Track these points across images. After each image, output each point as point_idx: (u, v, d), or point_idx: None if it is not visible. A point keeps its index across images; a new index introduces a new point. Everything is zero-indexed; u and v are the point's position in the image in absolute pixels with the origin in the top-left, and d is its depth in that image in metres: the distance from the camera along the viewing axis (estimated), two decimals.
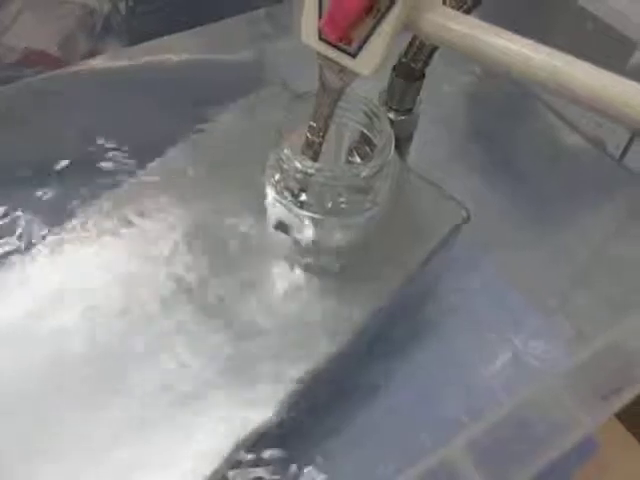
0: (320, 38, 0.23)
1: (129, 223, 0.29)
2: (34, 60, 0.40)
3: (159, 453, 0.24)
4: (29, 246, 0.28)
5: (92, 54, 0.43)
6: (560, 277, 0.37)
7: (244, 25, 0.41)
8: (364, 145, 0.31)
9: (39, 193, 0.32)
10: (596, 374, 0.16)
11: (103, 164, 0.33)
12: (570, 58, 0.21)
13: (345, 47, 0.23)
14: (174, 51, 0.40)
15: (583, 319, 0.36)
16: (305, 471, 0.28)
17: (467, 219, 0.33)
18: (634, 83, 0.20)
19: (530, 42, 0.21)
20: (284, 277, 0.29)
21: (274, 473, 0.26)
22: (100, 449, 0.24)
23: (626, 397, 0.15)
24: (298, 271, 0.29)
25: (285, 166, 0.26)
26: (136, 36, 0.41)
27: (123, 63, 0.38)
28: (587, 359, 0.16)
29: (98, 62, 0.39)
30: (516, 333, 0.35)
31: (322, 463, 0.28)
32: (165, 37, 0.39)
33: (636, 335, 0.18)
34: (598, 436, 0.42)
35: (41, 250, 0.27)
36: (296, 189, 0.26)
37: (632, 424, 0.44)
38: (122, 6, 0.42)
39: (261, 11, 0.41)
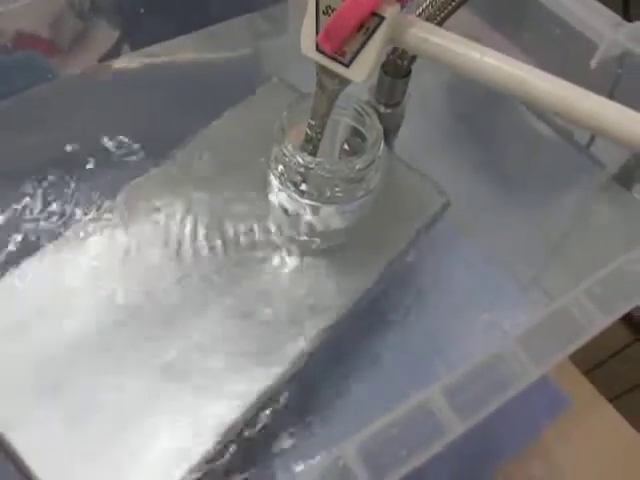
0: (317, 50, 0.27)
1: (149, 212, 0.33)
2: (25, 43, 0.41)
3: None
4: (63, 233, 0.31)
5: (82, 35, 0.44)
6: (534, 253, 0.41)
7: (243, 25, 0.44)
8: (356, 138, 0.34)
9: (68, 185, 0.35)
10: (550, 331, 0.20)
11: (123, 158, 0.36)
12: (536, 70, 0.24)
13: (339, 58, 0.26)
14: (180, 52, 0.42)
15: (555, 290, 0.40)
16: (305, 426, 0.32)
17: (447, 204, 0.36)
18: (588, 93, 0.23)
19: (500, 55, 0.25)
20: (286, 258, 0.33)
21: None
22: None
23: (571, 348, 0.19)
24: (298, 253, 0.33)
25: (288, 160, 0.30)
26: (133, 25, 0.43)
27: (135, 65, 0.41)
28: (540, 322, 0.20)
29: (113, 63, 0.42)
30: (494, 304, 0.39)
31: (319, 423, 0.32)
32: (170, 40, 0.42)
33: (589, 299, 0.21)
34: (569, 395, 0.47)
35: (74, 235, 0.31)
36: (297, 180, 0.30)
37: (602, 385, 0.49)
38: None
39: (259, 12, 0.44)
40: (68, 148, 0.36)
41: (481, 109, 0.41)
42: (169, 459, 0.27)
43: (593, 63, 0.32)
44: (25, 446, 0.27)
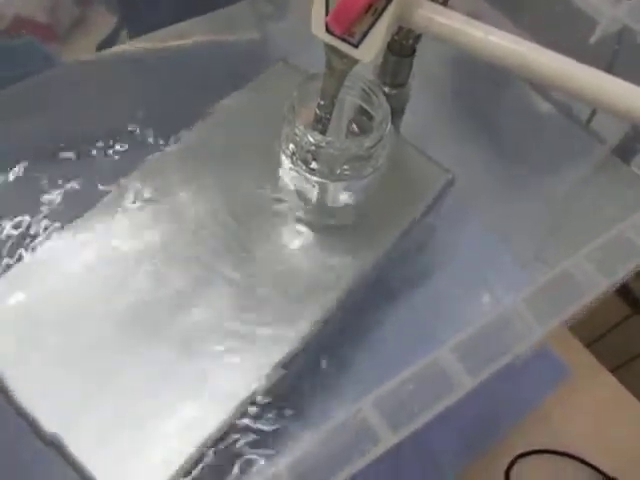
0: (327, 31, 0.28)
1: (163, 189, 0.34)
2: (23, 28, 0.41)
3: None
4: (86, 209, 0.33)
5: (80, 21, 0.44)
6: (535, 227, 0.42)
7: (246, 9, 0.44)
8: (363, 117, 0.35)
9: (82, 165, 0.36)
10: (550, 296, 0.21)
11: (137, 139, 0.37)
12: (538, 47, 0.25)
13: (349, 39, 0.27)
14: (186, 36, 0.43)
15: (556, 263, 0.41)
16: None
17: (452, 181, 0.38)
18: (588, 67, 0.25)
19: (503, 33, 0.26)
20: (296, 235, 0.34)
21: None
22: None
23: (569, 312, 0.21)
24: (308, 230, 0.34)
25: (298, 139, 0.31)
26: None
27: (144, 47, 0.42)
28: (544, 284, 0.21)
29: (121, 48, 0.42)
30: (495, 277, 0.40)
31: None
32: (174, 25, 0.43)
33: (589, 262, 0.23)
34: (570, 365, 0.48)
35: (97, 212, 0.32)
36: (308, 158, 0.31)
37: (602, 356, 0.50)
38: None
39: None
40: (80, 130, 0.38)
41: (483, 87, 0.42)
42: (186, 427, 0.29)
43: (593, 39, 0.33)
44: (47, 417, 0.28)
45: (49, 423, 0.28)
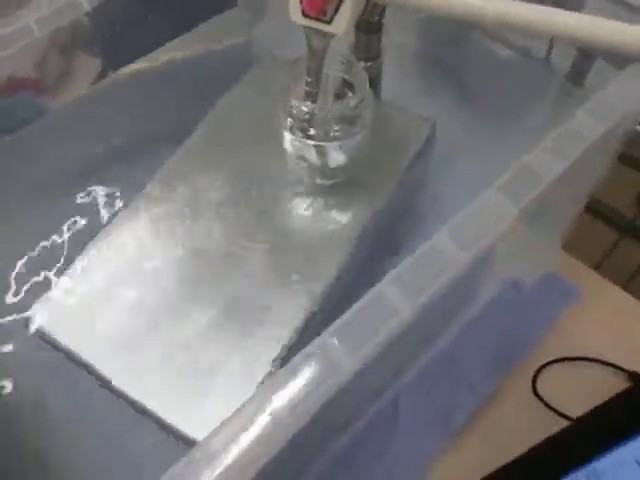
0: (304, 15, 0.33)
1: (188, 180, 0.40)
2: (17, 85, 0.44)
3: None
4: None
5: (67, 70, 0.47)
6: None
7: (227, 20, 0.50)
8: (345, 88, 0.41)
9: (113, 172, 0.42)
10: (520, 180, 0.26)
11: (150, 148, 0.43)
12: None
13: (322, 18, 0.33)
14: (172, 54, 0.48)
15: None
16: None
17: (434, 127, 0.43)
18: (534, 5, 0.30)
19: None
20: (305, 196, 0.40)
21: None
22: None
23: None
24: (314, 190, 0.40)
25: (295, 112, 0.36)
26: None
27: (144, 66, 0.47)
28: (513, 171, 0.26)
29: (110, 79, 0.47)
30: None
31: None
32: (160, 47, 0.47)
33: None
34: (579, 286, 0.53)
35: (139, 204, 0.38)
36: (305, 126, 0.36)
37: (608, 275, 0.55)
38: (86, 21, 0.45)
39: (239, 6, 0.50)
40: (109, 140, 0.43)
41: (447, 48, 0.48)
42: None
43: None
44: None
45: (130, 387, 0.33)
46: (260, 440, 0.20)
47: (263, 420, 0.21)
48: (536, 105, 0.44)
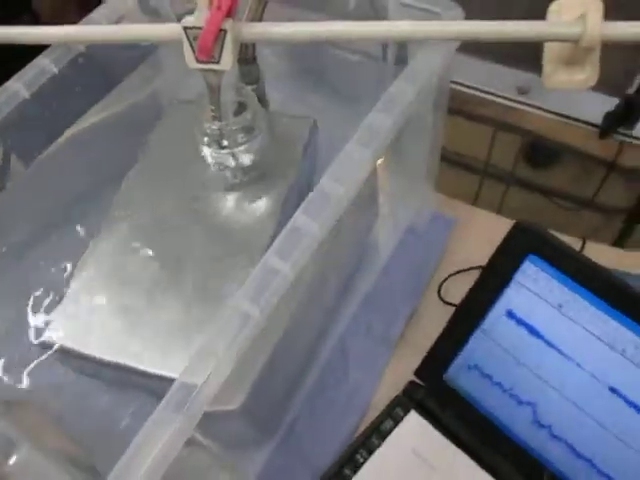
0: (197, 61, 0.46)
1: (141, 200, 0.52)
2: None
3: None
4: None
5: None
6: None
7: (134, 81, 0.62)
8: (240, 107, 0.54)
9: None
10: None
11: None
12: (329, 22, 0.45)
13: (212, 60, 0.45)
14: (101, 113, 0.60)
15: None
16: None
17: (315, 125, 0.57)
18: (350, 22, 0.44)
19: (302, 23, 0.45)
20: (228, 192, 0.52)
21: None
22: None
23: None
24: (234, 187, 0.53)
25: (208, 131, 0.49)
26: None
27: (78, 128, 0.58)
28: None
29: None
30: None
31: None
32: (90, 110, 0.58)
33: None
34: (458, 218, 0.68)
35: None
36: (219, 139, 0.49)
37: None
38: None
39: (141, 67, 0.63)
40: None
41: (312, 61, 0.62)
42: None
43: (350, 6, 0.53)
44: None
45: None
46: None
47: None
48: (379, 89, 0.59)
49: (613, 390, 0.45)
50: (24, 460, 0.32)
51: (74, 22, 0.52)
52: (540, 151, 0.88)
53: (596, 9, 0.42)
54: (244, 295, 0.34)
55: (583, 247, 0.66)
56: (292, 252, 0.36)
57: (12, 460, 0.32)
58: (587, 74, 0.45)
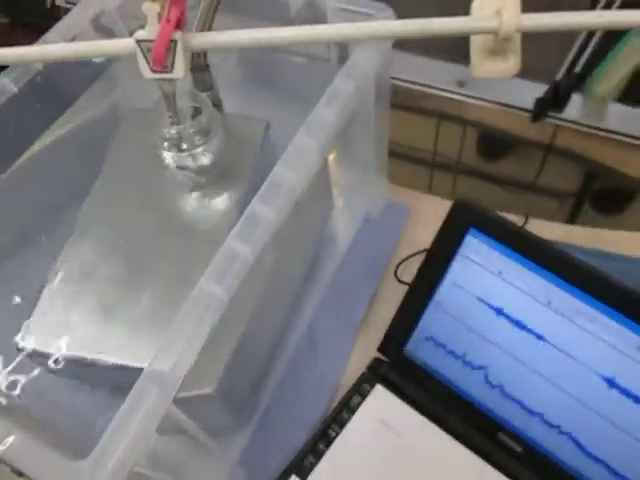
0: (152, 71, 0.49)
1: (108, 207, 0.55)
2: None
3: None
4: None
5: None
6: None
7: (92, 96, 0.65)
8: (196, 112, 0.57)
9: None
10: None
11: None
12: (275, 29, 0.48)
13: (166, 69, 0.49)
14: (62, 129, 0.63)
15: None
16: None
17: (269, 126, 0.61)
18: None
19: (247, 30, 0.49)
20: (190, 192, 0.56)
21: None
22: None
23: None
24: (195, 187, 0.56)
25: (167, 136, 0.52)
26: None
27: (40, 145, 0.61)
28: None
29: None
30: None
31: None
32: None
33: None
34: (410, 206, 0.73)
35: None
36: (178, 143, 0.52)
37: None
38: None
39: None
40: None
41: (256, 67, 0.66)
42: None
43: (292, 13, 0.57)
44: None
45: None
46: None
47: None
48: (326, 88, 0.64)
49: (540, 337, 0.50)
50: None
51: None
52: (483, 139, 0.94)
53: (512, 3, 0.47)
54: (209, 277, 0.38)
55: (525, 222, 0.71)
56: (251, 235, 0.39)
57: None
58: (510, 63, 0.49)
